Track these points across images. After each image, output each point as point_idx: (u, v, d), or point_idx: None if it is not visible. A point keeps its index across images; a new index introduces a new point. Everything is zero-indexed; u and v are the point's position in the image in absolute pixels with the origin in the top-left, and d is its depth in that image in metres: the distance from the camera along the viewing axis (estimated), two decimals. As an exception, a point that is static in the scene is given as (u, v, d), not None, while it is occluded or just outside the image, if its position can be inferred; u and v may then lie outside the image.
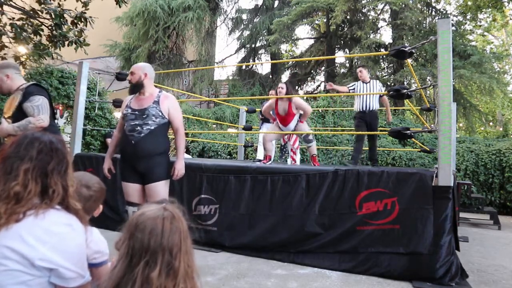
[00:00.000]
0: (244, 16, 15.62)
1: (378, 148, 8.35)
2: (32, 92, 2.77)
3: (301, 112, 4.84)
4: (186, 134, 10.58)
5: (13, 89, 2.87)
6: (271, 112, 5.15)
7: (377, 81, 5.33)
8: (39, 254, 1.04)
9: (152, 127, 2.81)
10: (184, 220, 1.05)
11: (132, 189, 2.89)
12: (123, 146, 2.90)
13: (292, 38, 14.62)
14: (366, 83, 5.14)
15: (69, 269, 1.09)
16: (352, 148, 8.75)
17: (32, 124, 2.68)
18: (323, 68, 14.95)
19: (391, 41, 12.28)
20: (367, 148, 5.42)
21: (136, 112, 2.85)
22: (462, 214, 6.16)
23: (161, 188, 2.85)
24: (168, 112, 2.90)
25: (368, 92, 5.11)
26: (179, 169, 2.91)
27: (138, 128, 2.80)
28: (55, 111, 3.00)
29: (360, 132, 5.01)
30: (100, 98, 7.35)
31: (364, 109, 5.06)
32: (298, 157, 5.60)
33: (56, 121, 3.08)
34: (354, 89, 5.24)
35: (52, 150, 1.17)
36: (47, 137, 1.20)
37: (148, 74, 2.94)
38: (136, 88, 2.92)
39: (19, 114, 2.75)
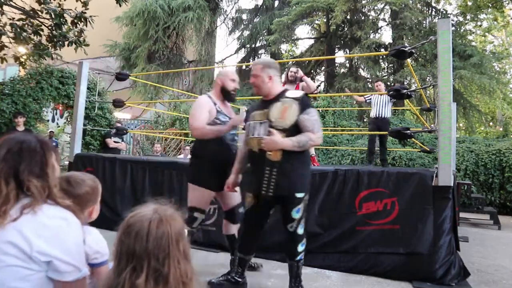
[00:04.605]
0: (244, 16, 15.63)
1: (378, 148, 8.36)
2: (308, 104, 2.44)
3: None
4: (186, 134, 10.59)
5: (271, 94, 2.49)
6: None
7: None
8: (35, 247, 1.04)
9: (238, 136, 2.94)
10: (176, 223, 0.99)
11: (210, 198, 2.86)
12: (222, 155, 2.81)
13: (292, 38, 14.62)
14: (381, 95, 5.84)
15: (65, 262, 1.08)
16: (352, 148, 8.80)
17: (312, 142, 2.37)
18: (323, 68, 14.95)
19: (391, 41, 12.28)
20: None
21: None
22: (462, 214, 6.15)
23: None
24: None
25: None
26: None
27: (236, 137, 2.88)
28: None
29: (372, 132, 5.70)
30: (100, 98, 7.35)
31: (378, 116, 5.81)
32: None
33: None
34: (370, 99, 6.02)
35: (22, 150, 1.15)
36: (20, 137, 1.20)
37: None
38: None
39: (295, 126, 2.40)
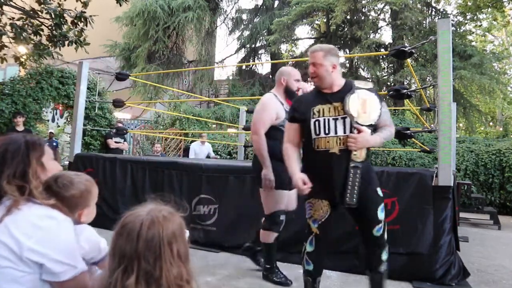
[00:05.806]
0: (244, 16, 15.63)
1: (378, 148, 8.38)
2: (380, 95, 2.18)
3: None
4: (186, 134, 10.59)
5: (335, 85, 2.14)
6: None
7: None
8: (25, 247, 1.04)
9: None
10: (170, 225, 0.97)
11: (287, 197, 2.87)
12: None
13: (292, 38, 14.62)
14: None
15: (58, 262, 1.08)
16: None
17: (392, 135, 2.17)
18: (323, 68, 14.92)
19: (391, 41, 12.28)
20: None
21: None
22: (462, 214, 6.15)
23: None
24: None
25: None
26: None
27: None
28: None
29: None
30: (100, 98, 7.35)
31: None
32: None
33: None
34: None
35: (6, 151, 1.17)
36: (9, 139, 1.21)
37: None
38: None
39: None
